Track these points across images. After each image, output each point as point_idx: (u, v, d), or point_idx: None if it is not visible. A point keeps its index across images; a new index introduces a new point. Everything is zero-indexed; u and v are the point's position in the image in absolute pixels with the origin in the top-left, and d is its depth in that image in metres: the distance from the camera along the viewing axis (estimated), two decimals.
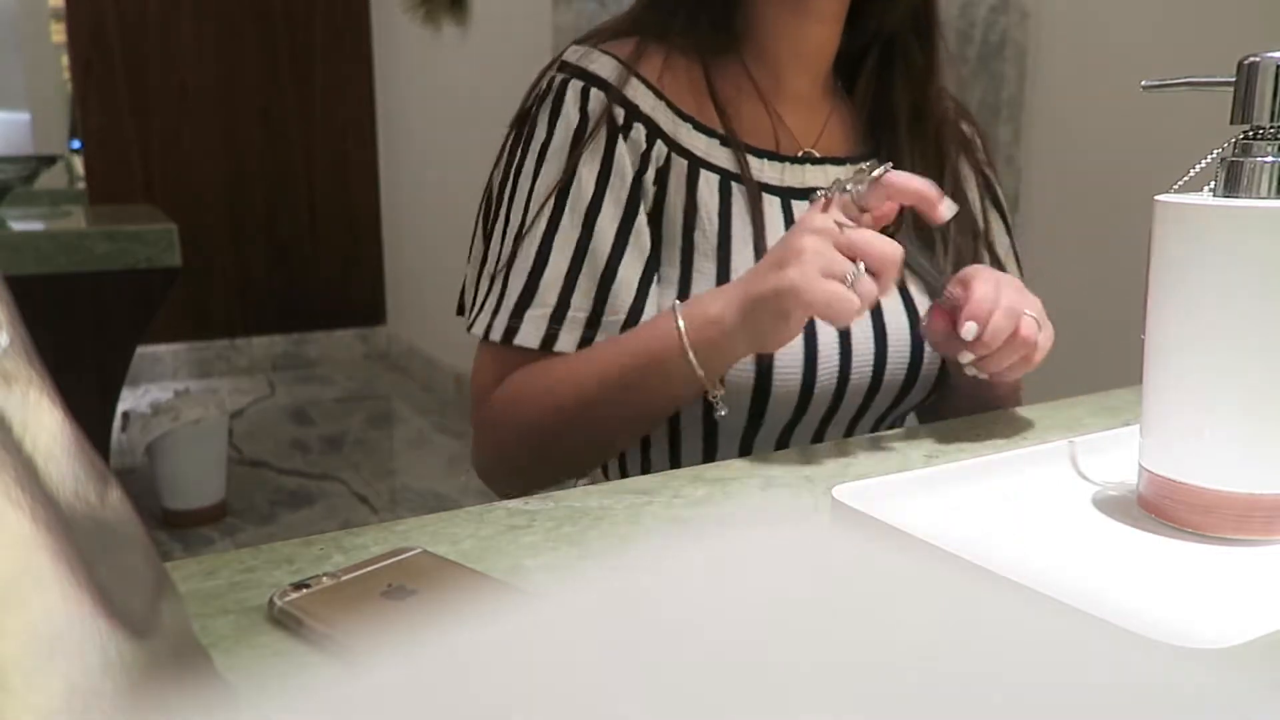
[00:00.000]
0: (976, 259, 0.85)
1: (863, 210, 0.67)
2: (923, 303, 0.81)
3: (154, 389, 3.56)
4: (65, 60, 3.51)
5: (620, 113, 0.79)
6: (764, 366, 0.76)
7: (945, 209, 0.65)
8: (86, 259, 1.65)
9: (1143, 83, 0.61)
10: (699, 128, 0.81)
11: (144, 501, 2.39)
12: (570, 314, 0.77)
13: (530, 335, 0.77)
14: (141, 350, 3.04)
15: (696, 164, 0.80)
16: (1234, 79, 0.52)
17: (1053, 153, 1.55)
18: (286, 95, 3.78)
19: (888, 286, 0.64)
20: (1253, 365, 0.50)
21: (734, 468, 0.66)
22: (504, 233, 0.80)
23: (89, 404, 1.74)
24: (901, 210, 0.70)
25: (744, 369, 0.75)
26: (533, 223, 0.78)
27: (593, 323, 0.77)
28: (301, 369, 3.93)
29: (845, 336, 0.78)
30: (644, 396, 0.73)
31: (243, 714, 0.14)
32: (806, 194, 0.81)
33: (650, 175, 0.79)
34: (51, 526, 0.22)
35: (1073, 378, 1.54)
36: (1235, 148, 0.52)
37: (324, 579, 0.46)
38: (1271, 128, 0.51)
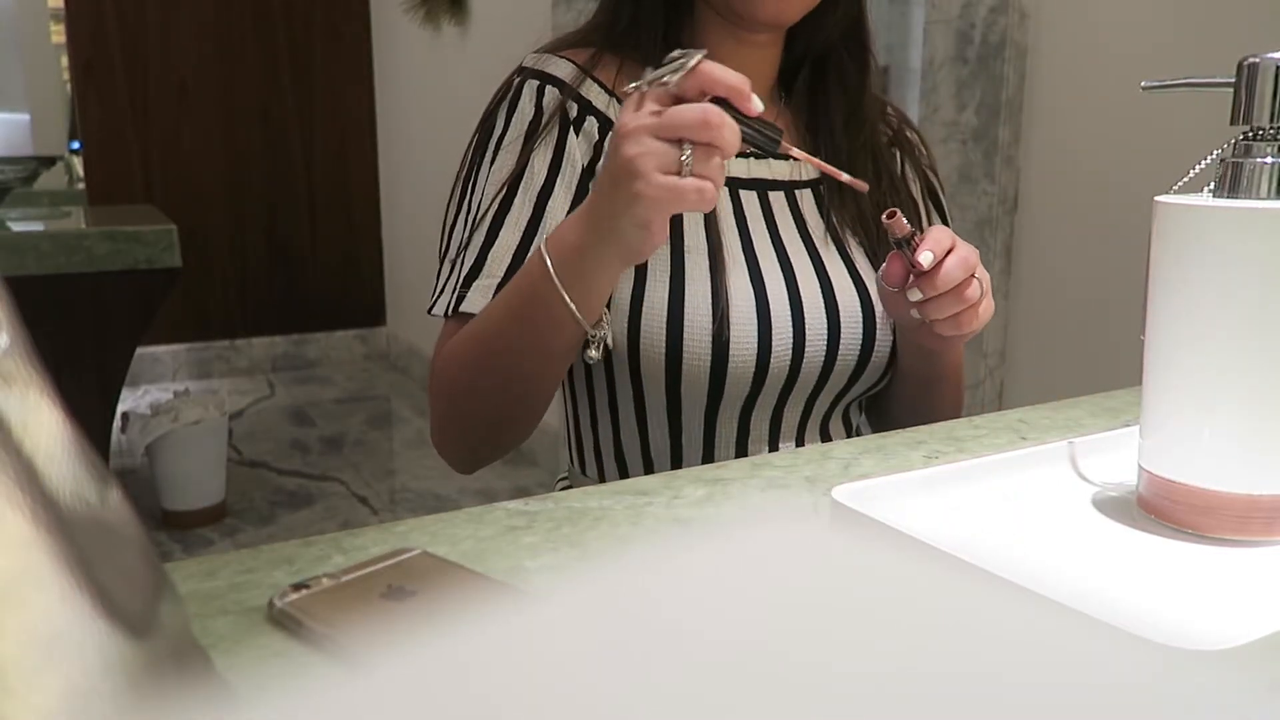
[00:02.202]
0: None
1: (678, 100, 0.65)
2: (870, 280, 0.86)
3: (154, 389, 3.56)
4: (65, 60, 3.51)
5: (573, 107, 0.85)
6: (722, 341, 0.79)
7: (756, 104, 0.65)
8: (86, 259, 1.65)
9: (1143, 83, 0.61)
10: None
11: (143, 502, 2.39)
12: None
13: (475, 302, 0.81)
14: (141, 350, 3.05)
15: None
16: (1234, 79, 0.52)
17: (1053, 153, 1.55)
18: (286, 95, 3.78)
19: (730, 146, 0.63)
20: (1253, 365, 0.50)
21: (734, 468, 0.66)
22: (466, 222, 0.85)
23: (89, 404, 1.74)
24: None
25: (702, 344, 0.79)
26: (488, 208, 0.83)
27: None
28: (301, 370, 3.93)
29: (798, 313, 0.83)
30: (536, 331, 0.75)
31: (242, 714, 0.14)
32: (773, 185, 0.87)
33: (602, 164, 0.82)
34: (51, 527, 0.22)
35: (1073, 378, 1.54)
36: (1235, 148, 0.52)
37: (324, 580, 0.46)
38: (1271, 128, 0.51)
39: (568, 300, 0.71)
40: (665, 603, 0.16)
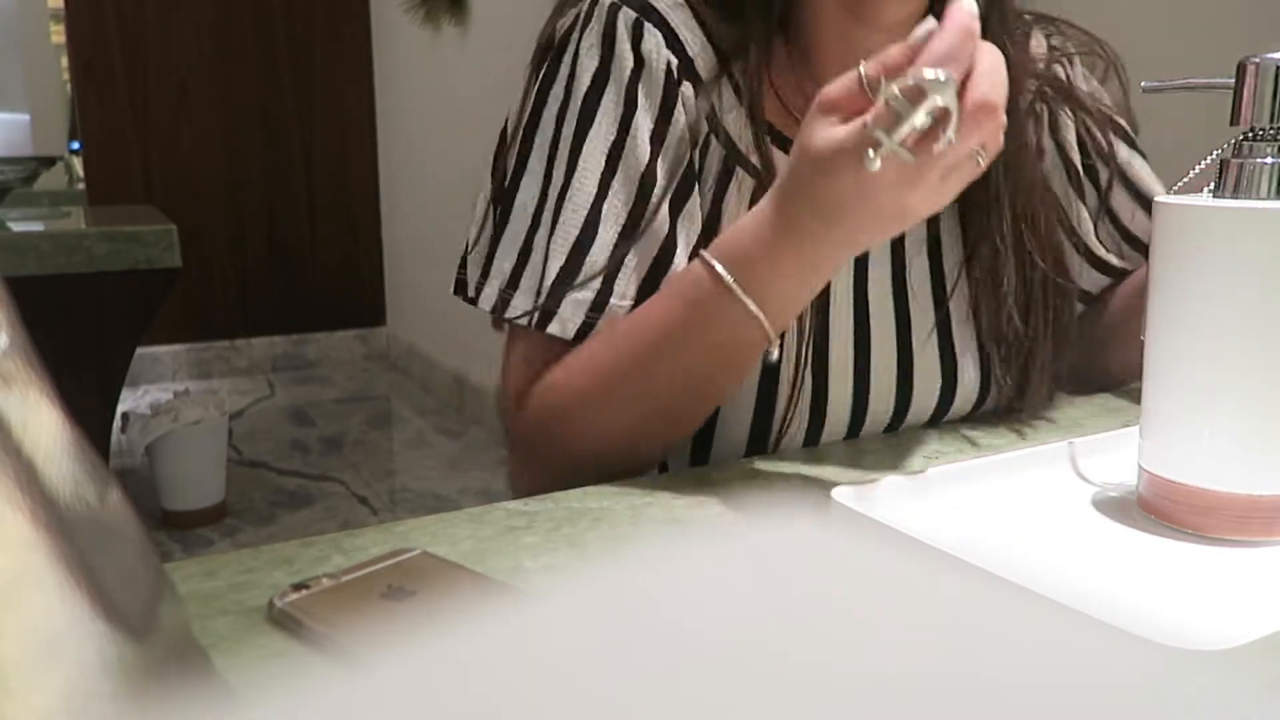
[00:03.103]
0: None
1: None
2: (964, 347, 0.72)
3: (154, 390, 3.56)
4: (65, 61, 3.51)
5: (675, 63, 0.65)
6: (761, 432, 0.69)
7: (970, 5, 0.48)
8: (86, 260, 1.65)
9: (1142, 84, 0.61)
10: (754, 121, 0.66)
11: (143, 502, 2.39)
12: (614, 301, 0.64)
13: (570, 321, 0.63)
14: (141, 351, 3.04)
15: (733, 159, 0.66)
16: (1233, 80, 0.52)
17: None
18: (286, 95, 3.78)
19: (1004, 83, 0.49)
20: (1253, 366, 0.50)
21: (733, 469, 0.66)
22: (539, 191, 0.65)
23: (89, 404, 1.74)
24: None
25: (740, 433, 0.69)
26: (581, 190, 0.64)
27: None
28: (301, 370, 3.93)
29: (860, 412, 0.70)
30: (709, 358, 0.60)
31: (242, 714, 0.14)
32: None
33: (695, 154, 0.66)
34: (51, 528, 0.22)
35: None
36: (1235, 149, 0.52)
37: (324, 580, 0.46)
38: (1271, 128, 0.51)
39: (762, 320, 0.57)
40: (665, 603, 0.16)
